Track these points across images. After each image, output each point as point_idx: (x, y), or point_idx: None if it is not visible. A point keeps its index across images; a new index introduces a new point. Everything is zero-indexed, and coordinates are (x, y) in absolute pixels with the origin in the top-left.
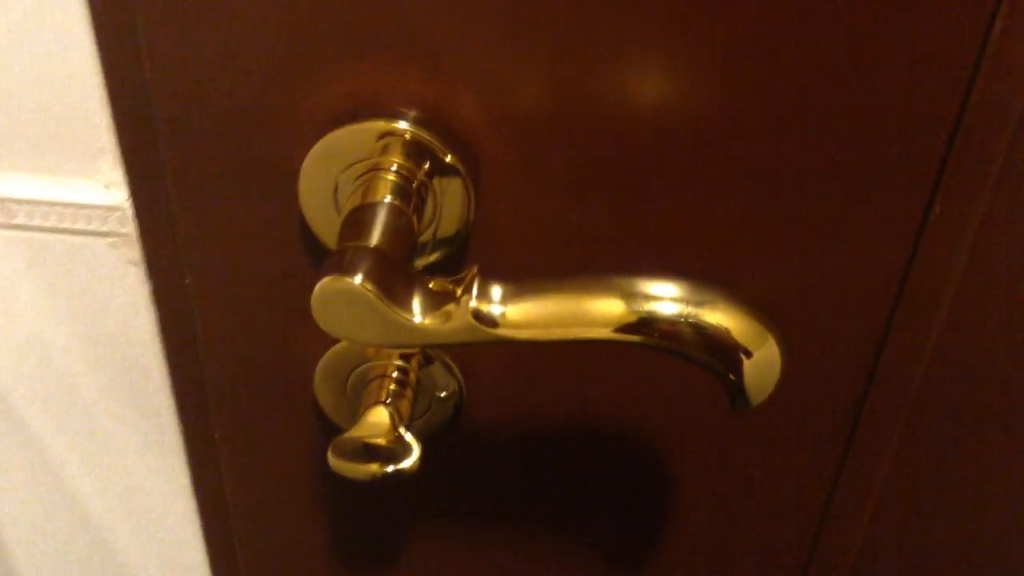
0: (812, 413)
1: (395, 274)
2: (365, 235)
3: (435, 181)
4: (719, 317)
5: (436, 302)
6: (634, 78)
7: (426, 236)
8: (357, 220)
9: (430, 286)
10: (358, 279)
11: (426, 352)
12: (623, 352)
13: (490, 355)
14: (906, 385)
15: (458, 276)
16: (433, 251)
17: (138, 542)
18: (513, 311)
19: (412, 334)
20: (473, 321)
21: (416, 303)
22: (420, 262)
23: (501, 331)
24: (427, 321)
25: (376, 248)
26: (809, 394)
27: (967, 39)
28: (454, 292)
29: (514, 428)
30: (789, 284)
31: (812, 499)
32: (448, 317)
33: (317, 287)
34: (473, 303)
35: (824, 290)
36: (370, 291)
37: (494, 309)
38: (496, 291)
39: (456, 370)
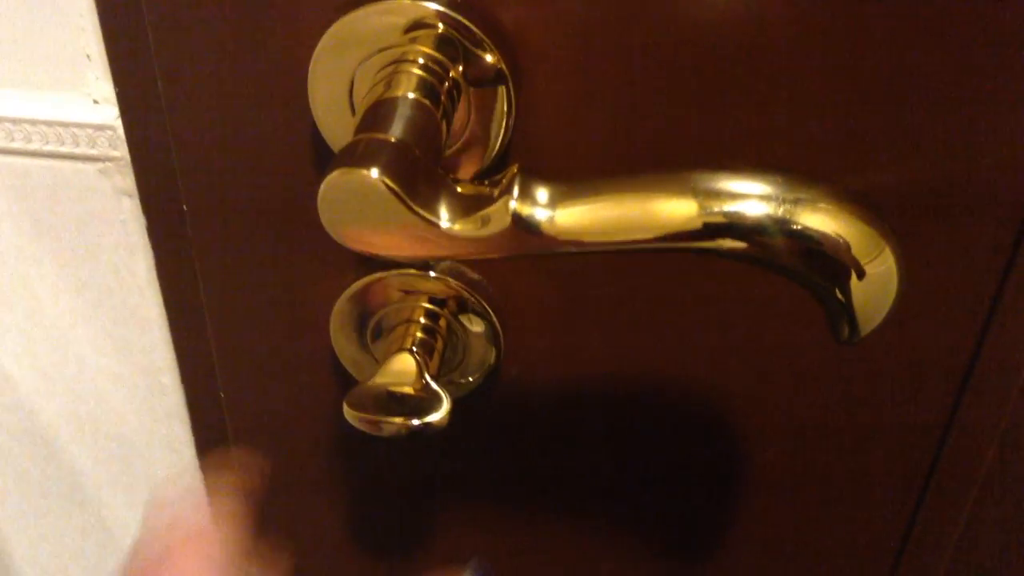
0: (916, 376)
1: (419, 171)
2: (384, 127)
3: (470, 81)
4: (821, 220)
5: (470, 206)
6: None
7: (456, 146)
8: (376, 113)
9: (461, 188)
10: (375, 172)
11: (460, 296)
12: (692, 295)
13: (534, 301)
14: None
15: (495, 177)
16: (463, 164)
17: (137, 518)
18: (563, 214)
19: (440, 242)
20: (514, 226)
21: (444, 206)
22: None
23: (549, 237)
24: (458, 226)
25: (398, 141)
26: (916, 346)
27: None
28: (491, 195)
29: (559, 391)
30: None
31: (906, 492)
32: (484, 222)
33: (324, 181)
34: (514, 204)
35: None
36: (389, 185)
37: (539, 213)
38: (542, 192)
39: (495, 318)
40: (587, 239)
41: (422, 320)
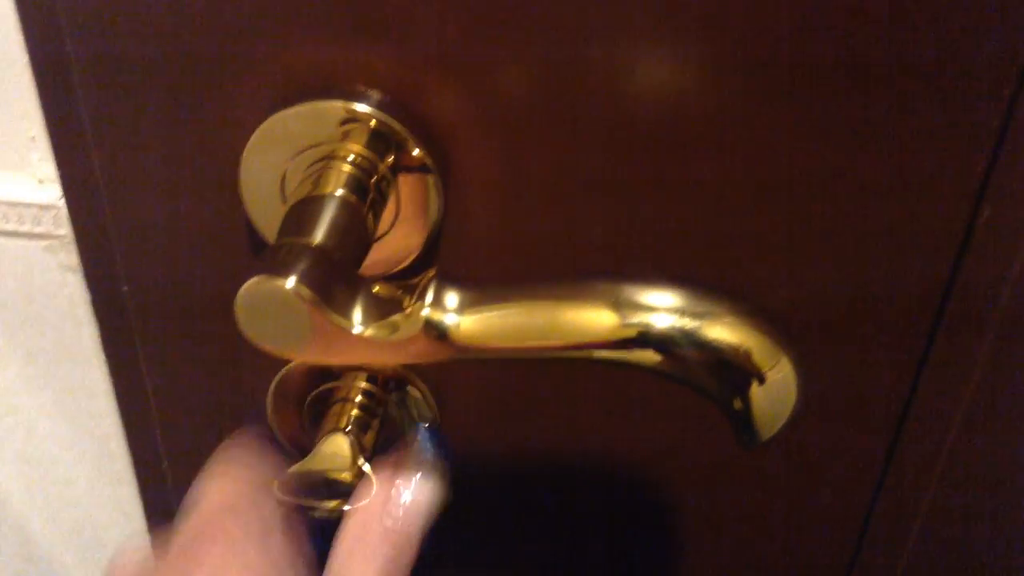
0: (838, 447)
1: (337, 277)
2: (306, 231)
3: (400, 176)
4: (723, 332)
5: (383, 310)
6: (634, 64)
7: (386, 240)
8: (301, 213)
9: (377, 291)
10: (291, 281)
11: (398, 374)
12: (623, 375)
13: (470, 380)
14: (948, 415)
15: (412, 281)
16: (393, 257)
17: None
18: (471, 321)
19: (353, 348)
20: (424, 333)
21: (358, 311)
22: (375, 270)
23: (457, 345)
24: (369, 332)
25: (318, 246)
26: (835, 422)
27: None
28: (405, 299)
29: (498, 464)
30: (803, 296)
31: (840, 548)
32: (395, 328)
33: (242, 289)
34: (425, 311)
35: (852, 304)
36: (303, 293)
37: (449, 319)
38: (452, 298)
39: (430, 397)
40: (494, 347)
41: (359, 399)
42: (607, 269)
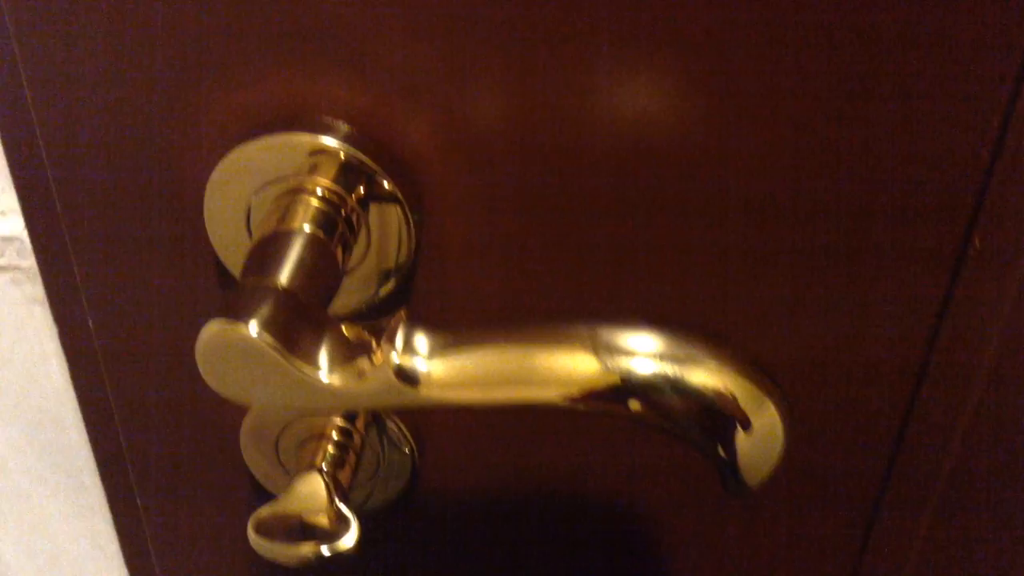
0: (826, 495)
1: (301, 321)
2: (271, 270)
3: (370, 209)
4: (706, 377)
5: (350, 355)
6: (605, 95)
7: (357, 274)
8: (265, 250)
9: (346, 333)
10: (253, 327)
11: (374, 411)
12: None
13: (447, 414)
14: (936, 466)
15: (379, 322)
16: (366, 294)
17: None
18: (441, 367)
19: (319, 396)
20: (393, 379)
21: (324, 356)
22: (346, 306)
23: (425, 392)
24: (335, 379)
25: (282, 288)
26: (823, 471)
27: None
28: (373, 343)
29: (477, 502)
30: (789, 343)
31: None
32: (362, 374)
33: (201, 335)
34: (394, 356)
35: (838, 349)
36: (266, 342)
37: (418, 364)
38: (422, 342)
39: (407, 432)
40: (466, 397)
41: (334, 436)
42: (585, 302)
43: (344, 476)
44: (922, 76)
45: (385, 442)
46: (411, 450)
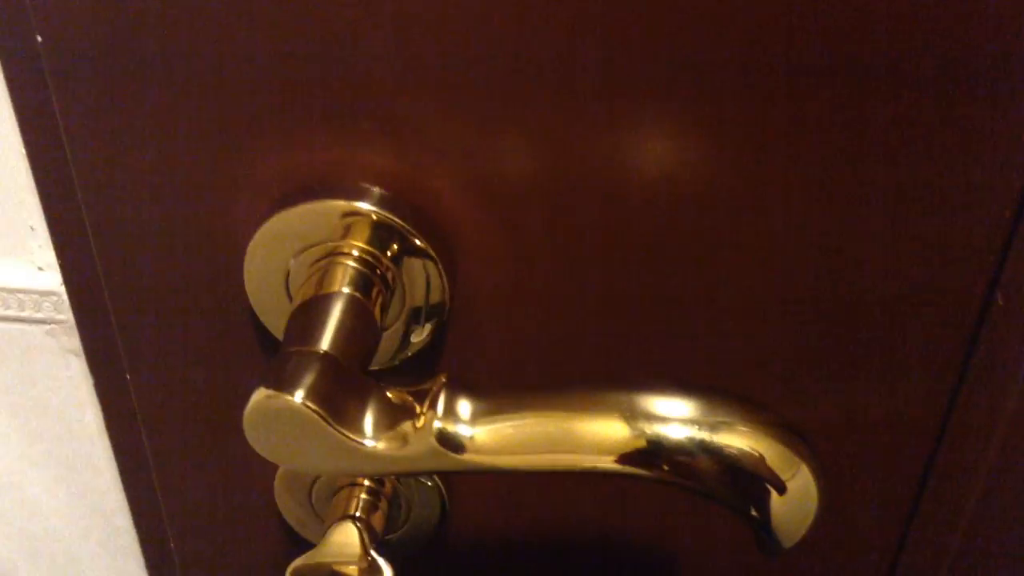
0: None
1: (346, 387)
2: (314, 336)
3: (404, 267)
4: (740, 441)
5: (394, 420)
6: (635, 156)
7: (395, 329)
8: (306, 317)
9: (389, 398)
10: (299, 396)
11: None
12: None
13: None
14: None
15: (422, 387)
16: (403, 346)
17: None
18: (485, 434)
19: (364, 461)
20: (436, 445)
21: (368, 422)
22: (387, 361)
23: (470, 458)
24: (381, 445)
25: (324, 354)
26: (844, 535)
27: None
28: (416, 408)
29: (504, 549)
30: (818, 399)
31: None
32: (405, 440)
33: (249, 404)
34: (437, 423)
35: (865, 412)
36: (312, 410)
37: (462, 430)
38: (464, 407)
39: (438, 479)
40: (507, 463)
41: (367, 483)
42: (615, 353)
43: (377, 522)
44: (948, 135)
45: (415, 486)
46: (441, 496)
